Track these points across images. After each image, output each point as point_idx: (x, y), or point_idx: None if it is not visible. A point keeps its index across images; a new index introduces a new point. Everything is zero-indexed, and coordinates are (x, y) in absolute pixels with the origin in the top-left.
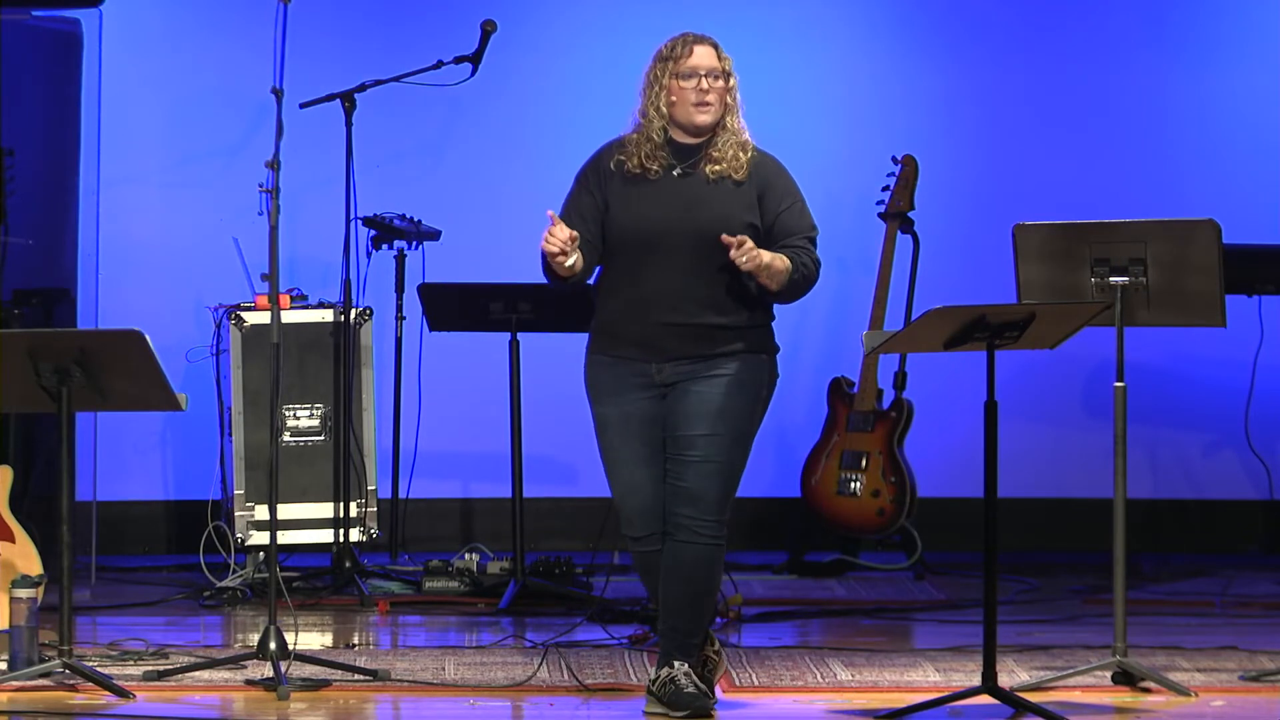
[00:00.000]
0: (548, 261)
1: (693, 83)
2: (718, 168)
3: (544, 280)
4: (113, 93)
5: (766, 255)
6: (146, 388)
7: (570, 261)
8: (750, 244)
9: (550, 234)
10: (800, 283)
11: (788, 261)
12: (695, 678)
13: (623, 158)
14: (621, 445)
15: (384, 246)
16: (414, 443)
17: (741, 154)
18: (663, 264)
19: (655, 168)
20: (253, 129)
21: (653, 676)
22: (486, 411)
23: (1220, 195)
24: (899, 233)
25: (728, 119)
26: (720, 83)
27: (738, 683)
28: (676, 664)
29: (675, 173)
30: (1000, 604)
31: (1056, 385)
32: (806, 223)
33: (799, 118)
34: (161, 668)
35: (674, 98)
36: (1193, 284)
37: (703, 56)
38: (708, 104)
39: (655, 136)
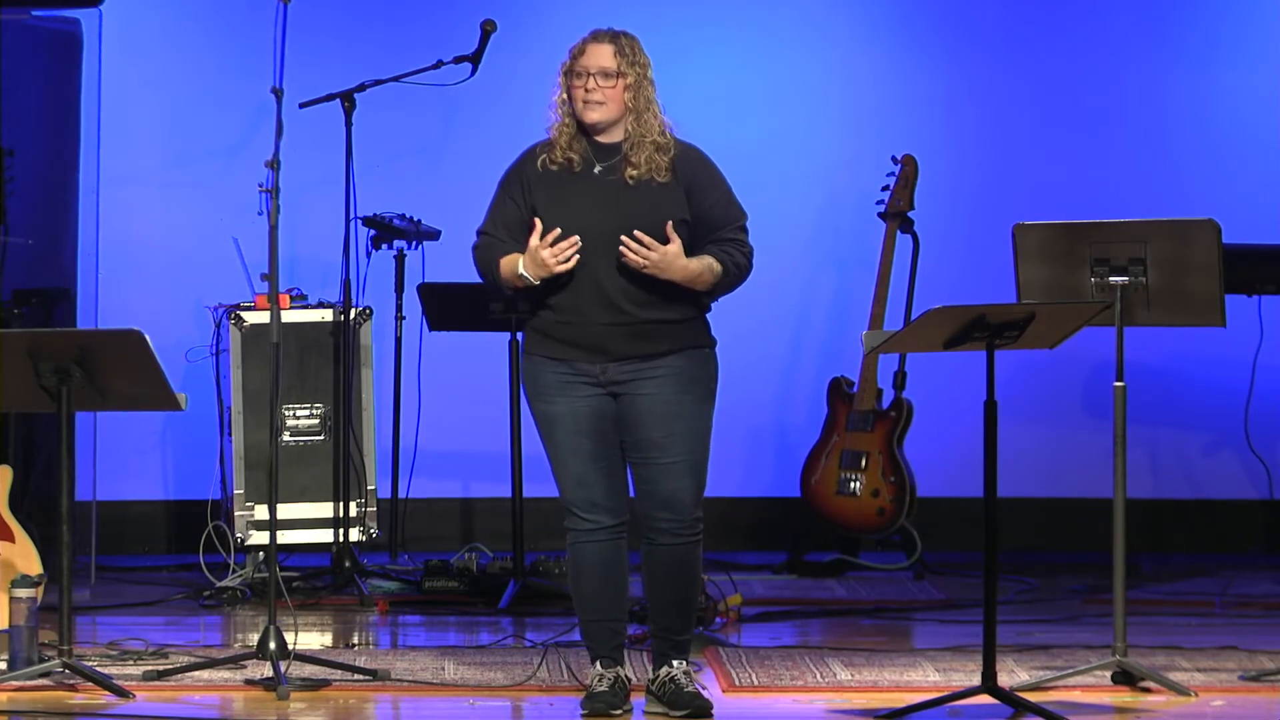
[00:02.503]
0: (503, 279)
1: (581, 81)
2: (635, 172)
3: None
4: (113, 93)
5: (693, 269)
6: (146, 388)
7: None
8: (656, 255)
9: (551, 253)
10: (734, 282)
11: (713, 265)
12: (694, 676)
13: (545, 157)
14: (571, 440)
15: (384, 246)
16: (414, 443)
17: (660, 156)
18: (597, 265)
19: (575, 157)
20: (253, 129)
21: (651, 676)
22: (486, 411)
23: (1220, 195)
24: (899, 232)
25: (630, 121)
26: (611, 82)
27: (738, 683)
28: (675, 663)
29: (596, 170)
30: (1000, 604)
31: (1056, 385)
32: (735, 212)
33: (799, 118)
34: (161, 668)
35: (566, 95)
36: (1193, 284)
37: (594, 56)
38: (594, 102)
39: (560, 134)
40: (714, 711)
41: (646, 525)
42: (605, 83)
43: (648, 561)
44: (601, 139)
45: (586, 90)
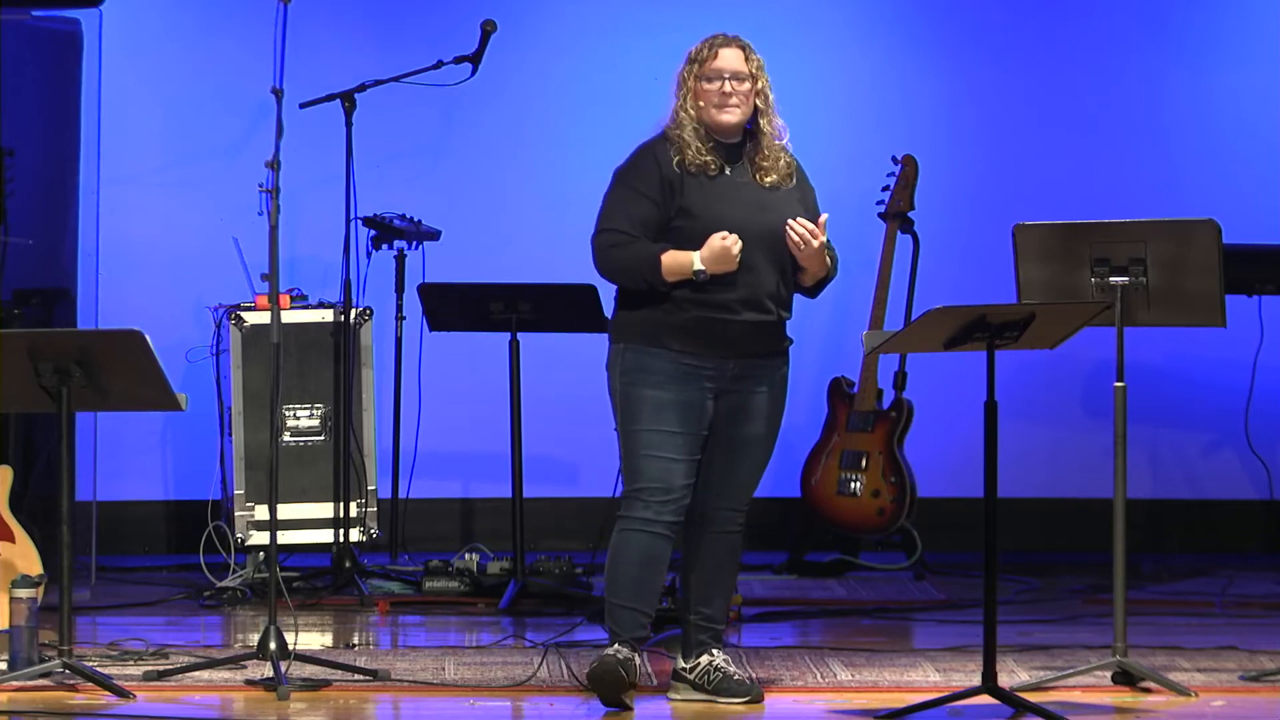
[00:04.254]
0: (663, 276)
1: (716, 85)
2: (772, 177)
3: (544, 281)
4: (113, 93)
5: (824, 258)
6: (146, 388)
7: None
8: (819, 236)
9: (739, 250)
10: (828, 281)
11: (825, 262)
12: (737, 664)
13: (680, 158)
14: (675, 429)
15: (384, 246)
16: (414, 443)
17: (784, 158)
18: (749, 264)
19: (711, 161)
20: (253, 129)
21: (685, 665)
22: (486, 411)
23: (1220, 195)
24: (899, 233)
25: (761, 121)
26: (745, 85)
27: None
28: (715, 651)
29: (728, 172)
30: (1000, 604)
31: (1056, 385)
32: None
33: (799, 118)
34: (161, 668)
35: (700, 100)
36: (1193, 284)
37: (728, 59)
38: (732, 105)
39: (691, 138)
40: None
41: (706, 516)
42: (740, 86)
43: (704, 550)
44: (726, 141)
45: (724, 93)
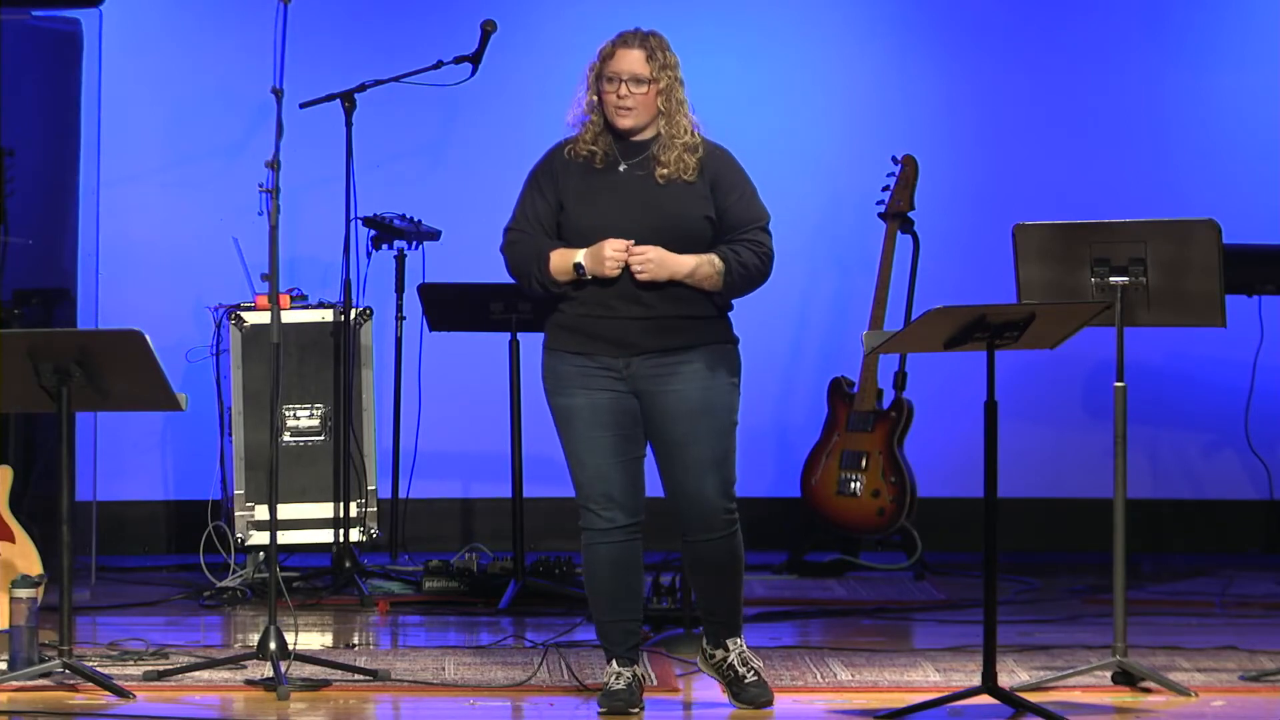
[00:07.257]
0: (550, 273)
1: (613, 87)
2: (665, 171)
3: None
4: (113, 93)
5: (686, 264)
6: (146, 388)
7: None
8: (646, 255)
9: (615, 253)
10: (742, 281)
11: (714, 260)
12: (750, 657)
13: (571, 148)
14: (591, 433)
15: (384, 246)
16: (414, 443)
17: (689, 156)
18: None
19: (600, 151)
20: (253, 129)
21: (708, 650)
22: (486, 411)
23: (1220, 195)
24: (899, 233)
25: (663, 123)
26: (643, 88)
27: None
28: (730, 644)
29: (621, 168)
30: (1000, 604)
31: (1056, 385)
32: (756, 212)
33: (800, 118)
34: (161, 668)
35: (596, 98)
36: (1193, 284)
37: (624, 61)
38: (625, 109)
39: (588, 129)
40: (773, 703)
41: (680, 523)
42: (637, 89)
43: (685, 559)
44: (630, 138)
45: (619, 96)
